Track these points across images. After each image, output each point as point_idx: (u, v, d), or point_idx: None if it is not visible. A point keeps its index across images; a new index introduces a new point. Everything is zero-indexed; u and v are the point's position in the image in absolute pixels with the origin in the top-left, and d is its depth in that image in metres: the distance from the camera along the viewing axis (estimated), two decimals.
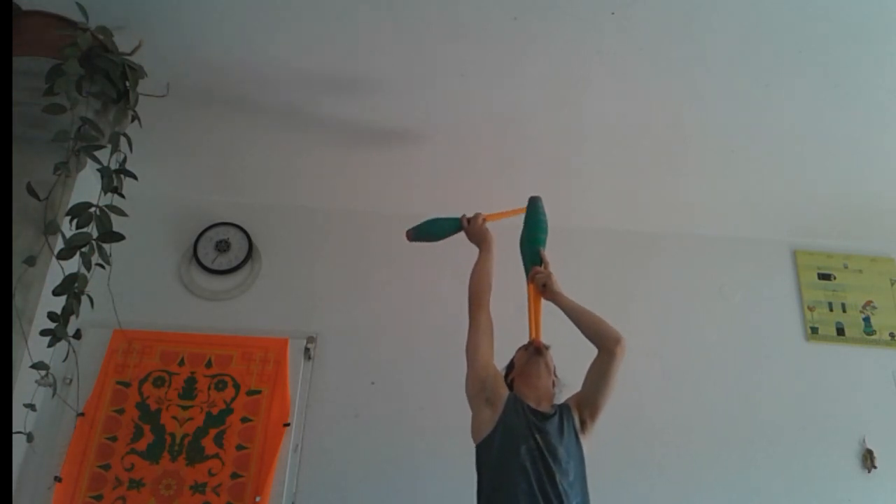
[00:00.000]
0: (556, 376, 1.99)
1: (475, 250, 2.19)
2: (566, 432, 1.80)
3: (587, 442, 1.86)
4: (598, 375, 1.84)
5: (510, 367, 2.02)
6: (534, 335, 2.01)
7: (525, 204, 2.23)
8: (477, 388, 1.88)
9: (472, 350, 1.94)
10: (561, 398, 1.97)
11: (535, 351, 1.94)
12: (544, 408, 1.85)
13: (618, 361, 1.81)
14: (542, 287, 2.01)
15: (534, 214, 2.18)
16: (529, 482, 1.67)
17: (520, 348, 2.01)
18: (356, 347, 2.83)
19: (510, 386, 1.95)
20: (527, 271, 2.11)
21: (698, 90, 2.26)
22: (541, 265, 2.09)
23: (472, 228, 2.19)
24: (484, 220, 2.21)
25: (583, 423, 1.86)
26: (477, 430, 1.84)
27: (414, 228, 2.28)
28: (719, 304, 3.05)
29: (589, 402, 1.87)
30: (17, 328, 1.68)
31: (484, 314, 1.99)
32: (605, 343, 1.83)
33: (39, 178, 1.76)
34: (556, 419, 1.81)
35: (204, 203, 3.05)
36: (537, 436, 1.74)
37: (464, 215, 2.24)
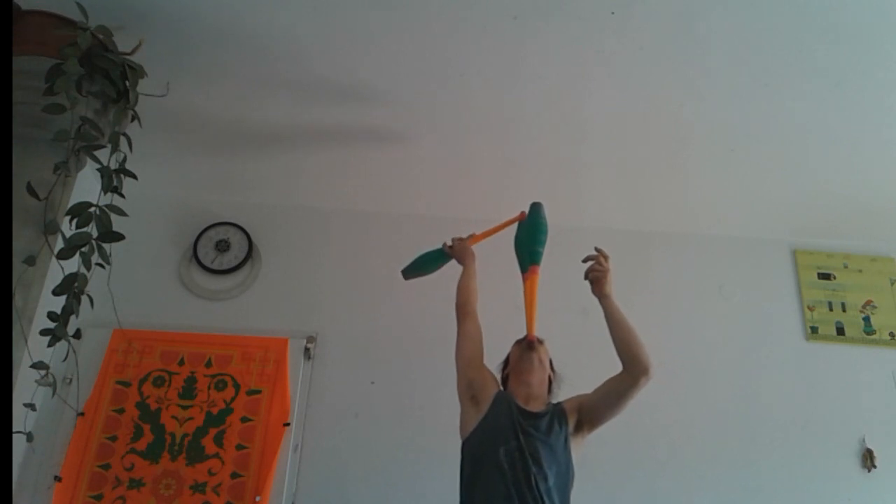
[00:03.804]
0: (552, 370, 1.99)
1: (474, 248, 2.28)
2: (553, 435, 1.78)
3: (579, 448, 1.83)
4: (614, 394, 1.81)
5: (506, 362, 2.03)
6: (529, 330, 2.01)
7: (516, 211, 2.29)
8: (463, 387, 1.94)
9: (458, 354, 2.02)
10: (559, 393, 1.96)
11: (527, 345, 1.95)
12: (535, 406, 1.85)
13: (638, 389, 1.78)
14: (594, 282, 1.92)
15: (536, 218, 2.21)
16: (506, 483, 1.67)
17: (515, 343, 2.02)
18: (356, 347, 2.83)
19: (505, 381, 1.97)
20: (522, 269, 2.13)
21: (698, 90, 2.26)
22: (539, 264, 2.09)
23: (455, 250, 2.28)
24: (461, 240, 2.29)
25: (578, 428, 1.84)
26: (462, 426, 1.89)
27: (405, 268, 2.38)
28: (719, 304, 3.05)
29: (593, 413, 1.85)
30: (17, 328, 1.67)
31: (469, 323, 2.05)
32: (634, 368, 1.77)
33: (39, 178, 1.76)
34: (545, 420, 1.80)
35: (204, 203, 3.05)
36: (521, 436, 1.74)
37: (444, 243, 2.33)
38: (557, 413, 1.84)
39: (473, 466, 1.77)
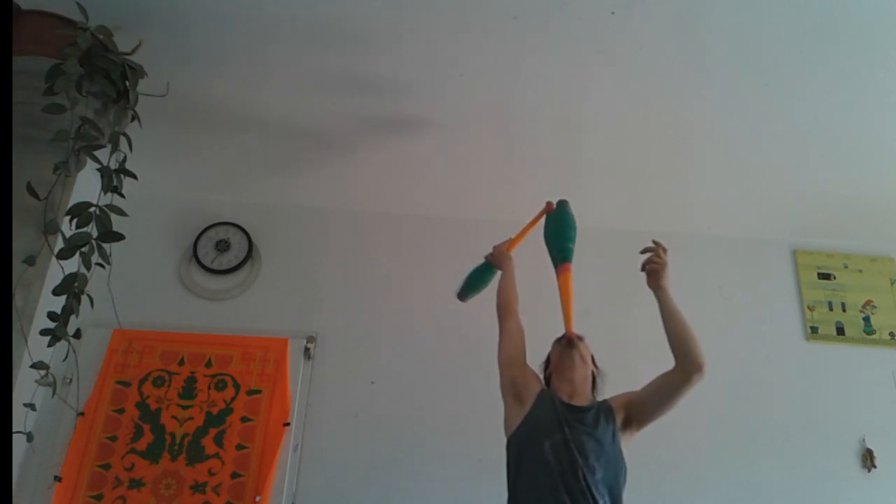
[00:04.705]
0: (595, 366, 1.98)
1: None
2: (601, 429, 1.75)
3: (627, 446, 1.80)
4: (665, 391, 1.80)
5: (547, 361, 2.01)
6: (567, 327, 1.99)
7: (534, 211, 2.31)
8: (506, 385, 1.94)
9: (500, 353, 2.02)
10: (603, 390, 1.95)
11: (567, 343, 1.93)
12: (579, 401, 1.83)
13: (691, 386, 1.76)
14: (650, 273, 1.90)
15: (562, 215, 2.21)
16: (552, 476, 1.66)
17: (554, 342, 2.00)
18: (356, 347, 2.83)
19: (548, 380, 1.96)
20: (554, 266, 2.11)
21: (698, 90, 2.26)
22: (570, 261, 2.07)
23: (494, 257, 2.30)
24: (498, 247, 2.30)
25: (625, 425, 1.82)
26: (506, 424, 1.88)
27: (459, 291, 2.35)
28: (719, 304, 3.05)
29: (643, 410, 1.82)
30: (17, 328, 1.67)
31: (511, 322, 2.05)
32: (687, 364, 1.75)
33: (39, 178, 1.76)
34: (591, 414, 1.78)
35: (204, 203, 3.05)
36: (566, 429, 1.72)
37: (487, 255, 2.33)
38: (604, 409, 1.82)
39: (518, 462, 1.76)
